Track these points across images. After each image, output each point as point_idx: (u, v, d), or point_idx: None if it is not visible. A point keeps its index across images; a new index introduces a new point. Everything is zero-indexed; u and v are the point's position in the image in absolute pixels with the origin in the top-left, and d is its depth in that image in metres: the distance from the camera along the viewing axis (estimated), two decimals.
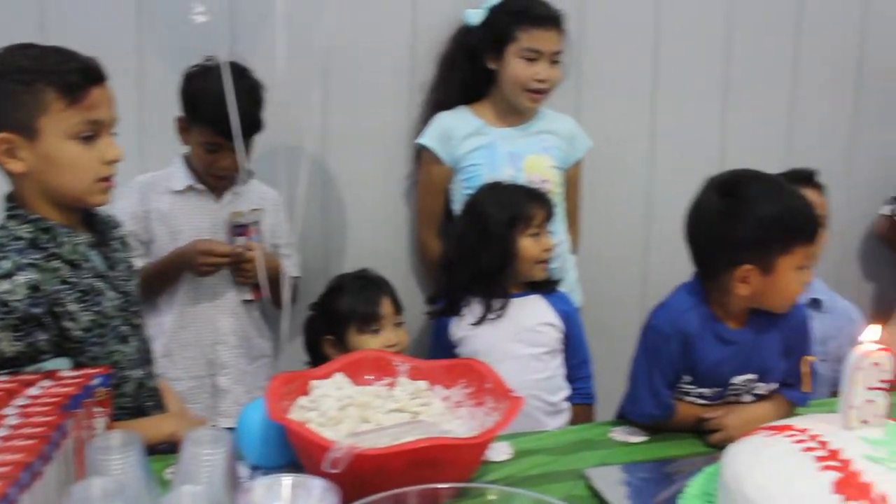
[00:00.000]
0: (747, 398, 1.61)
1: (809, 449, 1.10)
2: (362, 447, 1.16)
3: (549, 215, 2.04)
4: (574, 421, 2.05)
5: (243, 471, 1.33)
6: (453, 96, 2.34)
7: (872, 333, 1.13)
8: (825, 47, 2.81)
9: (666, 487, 1.36)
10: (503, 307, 2.00)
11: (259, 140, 2.12)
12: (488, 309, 2.00)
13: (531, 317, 2.02)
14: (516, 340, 1.99)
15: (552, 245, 2.04)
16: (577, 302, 2.38)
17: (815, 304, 2.19)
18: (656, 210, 2.61)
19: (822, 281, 2.24)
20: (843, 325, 2.19)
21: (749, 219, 1.48)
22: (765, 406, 1.59)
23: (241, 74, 1.99)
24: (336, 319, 2.04)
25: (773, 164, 2.33)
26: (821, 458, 1.07)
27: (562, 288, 2.27)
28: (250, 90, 2.01)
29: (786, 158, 2.69)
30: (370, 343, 1.99)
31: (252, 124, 2.01)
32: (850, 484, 1.01)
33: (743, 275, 1.50)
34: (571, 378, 2.07)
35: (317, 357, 2.04)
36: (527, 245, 1.99)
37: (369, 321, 2.02)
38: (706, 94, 2.71)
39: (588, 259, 2.55)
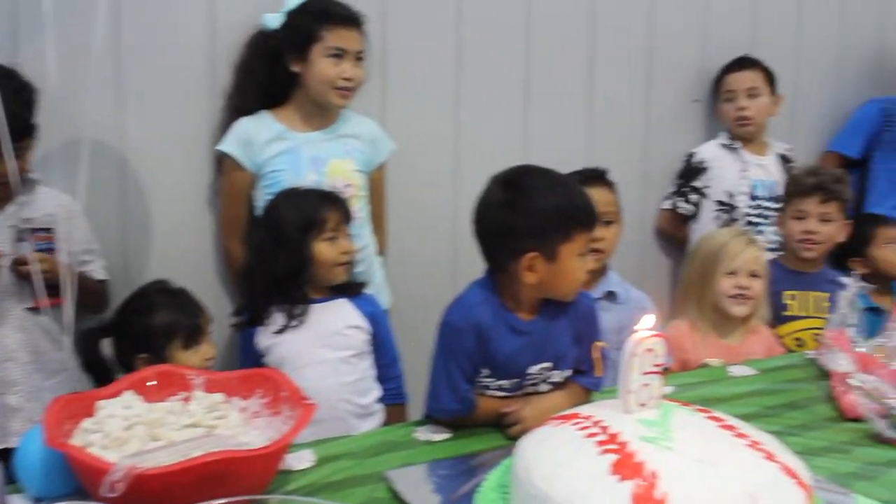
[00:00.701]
0: (544, 387, 1.66)
1: (592, 435, 1.14)
2: (145, 466, 1.11)
3: (345, 218, 2.04)
4: (388, 421, 2.06)
5: None
6: (253, 101, 2.30)
7: (646, 322, 1.20)
8: (618, 53, 2.96)
9: (468, 482, 1.38)
10: (304, 313, 1.98)
11: (52, 146, 2.01)
12: (290, 316, 1.97)
13: (336, 320, 2.01)
14: (322, 345, 1.98)
15: (350, 248, 2.04)
16: (385, 303, 2.40)
17: (611, 296, 2.30)
18: (463, 210, 2.62)
19: (616, 273, 2.36)
20: (636, 315, 2.30)
21: (531, 208, 1.55)
22: (559, 395, 1.64)
23: (8, 76, 1.88)
24: (152, 336, 1.94)
25: (573, 164, 2.43)
26: (601, 443, 1.11)
27: (369, 290, 2.27)
28: (17, 92, 1.89)
29: (585, 158, 2.81)
30: (192, 358, 1.93)
31: (21, 128, 1.89)
32: (625, 464, 1.06)
33: (529, 263, 1.56)
34: (382, 378, 2.08)
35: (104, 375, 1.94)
36: (322, 249, 1.98)
37: (195, 335, 1.96)
38: (508, 96, 2.79)
39: (397, 260, 2.57)
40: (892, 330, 1.91)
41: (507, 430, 1.59)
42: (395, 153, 2.46)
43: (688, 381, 1.99)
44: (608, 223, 2.29)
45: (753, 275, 2.37)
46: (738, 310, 2.37)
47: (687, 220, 3.06)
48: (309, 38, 2.21)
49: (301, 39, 2.22)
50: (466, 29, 2.69)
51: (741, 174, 2.98)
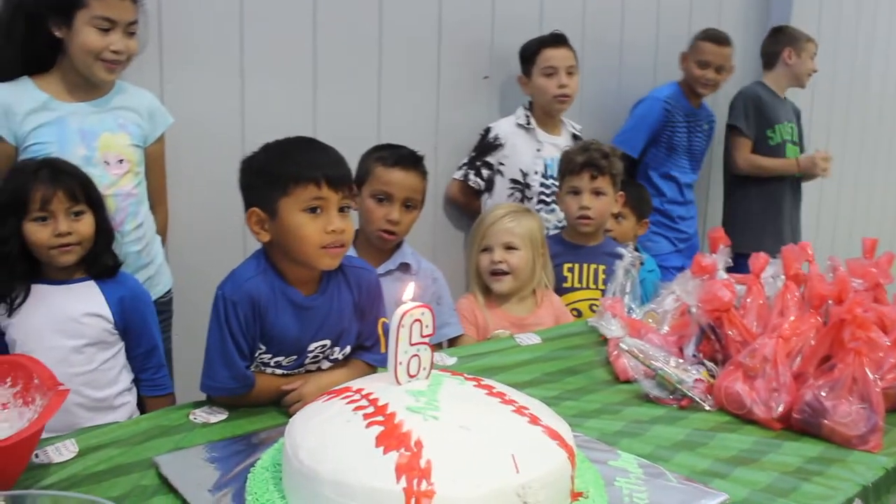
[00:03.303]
0: (326, 364, 1.66)
1: (360, 408, 1.15)
2: None
3: (69, 196, 1.82)
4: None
5: None
6: (13, 66, 2.12)
7: (410, 292, 1.21)
8: (408, 32, 2.96)
9: (242, 463, 1.35)
10: (26, 294, 1.82)
11: None
12: (26, 295, 1.82)
13: (75, 306, 1.84)
14: (55, 331, 1.82)
15: (69, 230, 1.81)
16: (165, 286, 2.33)
17: (405, 267, 2.33)
18: None
19: (408, 246, 2.39)
20: (428, 286, 2.36)
21: (253, 162, 1.61)
22: (342, 371, 1.64)
23: None
24: None
25: (364, 139, 2.43)
26: (368, 416, 1.13)
27: (148, 271, 2.18)
28: None
29: (377, 134, 2.83)
30: None
31: None
32: (390, 435, 1.08)
33: (254, 219, 1.58)
34: (138, 369, 1.94)
35: None
36: (31, 230, 1.79)
37: None
38: (295, 69, 2.74)
39: (179, 240, 2.49)
40: (664, 297, 2.04)
41: (287, 408, 1.57)
42: (175, 127, 2.35)
43: (475, 351, 2.05)
44: (409, 207, 2.32)
45: (509, 247, 2.44)
46: (498, 286, 2.45)
47: (479, 193, 3.13)
48: (73, 4, 2.06)
49: (64, 3, 2.06)
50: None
51: (535, 154, 3.06)
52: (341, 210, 1.58)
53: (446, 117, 3.12)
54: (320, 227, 1.55)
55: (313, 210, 1.55)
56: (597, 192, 2.64)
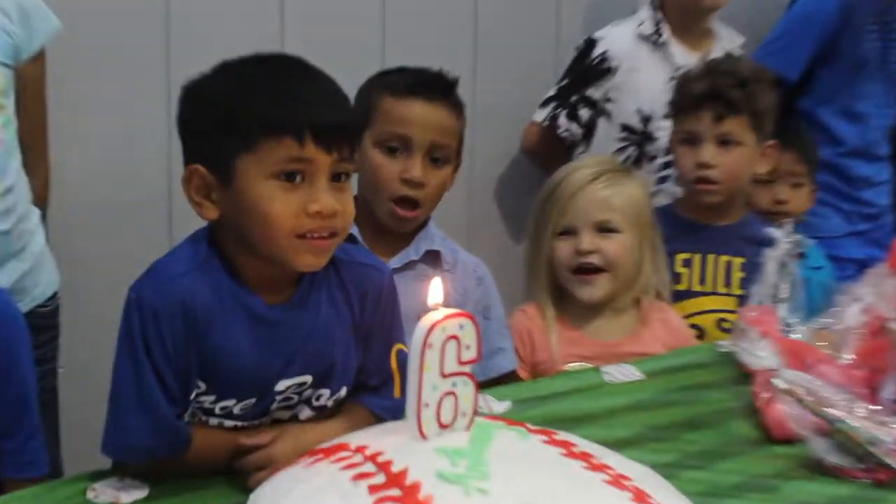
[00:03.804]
0: (306, 414, 1.66)
1: (363, 476, 1.14)
2: None
3: None
4: None
5: None
6: None
7: (437, 292, 1.18)
8: None
9: None
10: None
11: None
12: None
13: None
14: None
15: None
16: (48, 286, 2.35)
17: (434, 257, 2.29)
18: None
19: (437, 230, 2.36)
20: (470, 289, 2.33)
21: (207, 95, 1.60)
22: (334, 423, 1.63)
23: None
24: None
25: (362, 66, 2.44)
26: (376, 488, 1.11)
27: (20, 264, 2.21)
28: None
29: (380, 58, 2.86)
30: None
31: None
32: None
33: (194, 181, 1.56)
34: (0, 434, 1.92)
35: None
36: None
37: None
38: None
39: (68, 215, 2.52)
40: (845, 306, 2.01)
41: (247, 477, 1.55)
42: (61, 38, 2.37)
43: (538, 391, 2.05)
44: (437, 161, 2.26)
45: (604, 228, 2.40)
46: (588, 292, 2.40)
47: (571, 144, 3.13)
48: None
49: None
50: None
51: (667, 84, 2.96)
52: (335, 179, 1.56)
53: (489, 26, 3.15)
54: (299, 203, 1.53)
55: (290, 176, 1.53)
56: (725, 141, 2.61)
